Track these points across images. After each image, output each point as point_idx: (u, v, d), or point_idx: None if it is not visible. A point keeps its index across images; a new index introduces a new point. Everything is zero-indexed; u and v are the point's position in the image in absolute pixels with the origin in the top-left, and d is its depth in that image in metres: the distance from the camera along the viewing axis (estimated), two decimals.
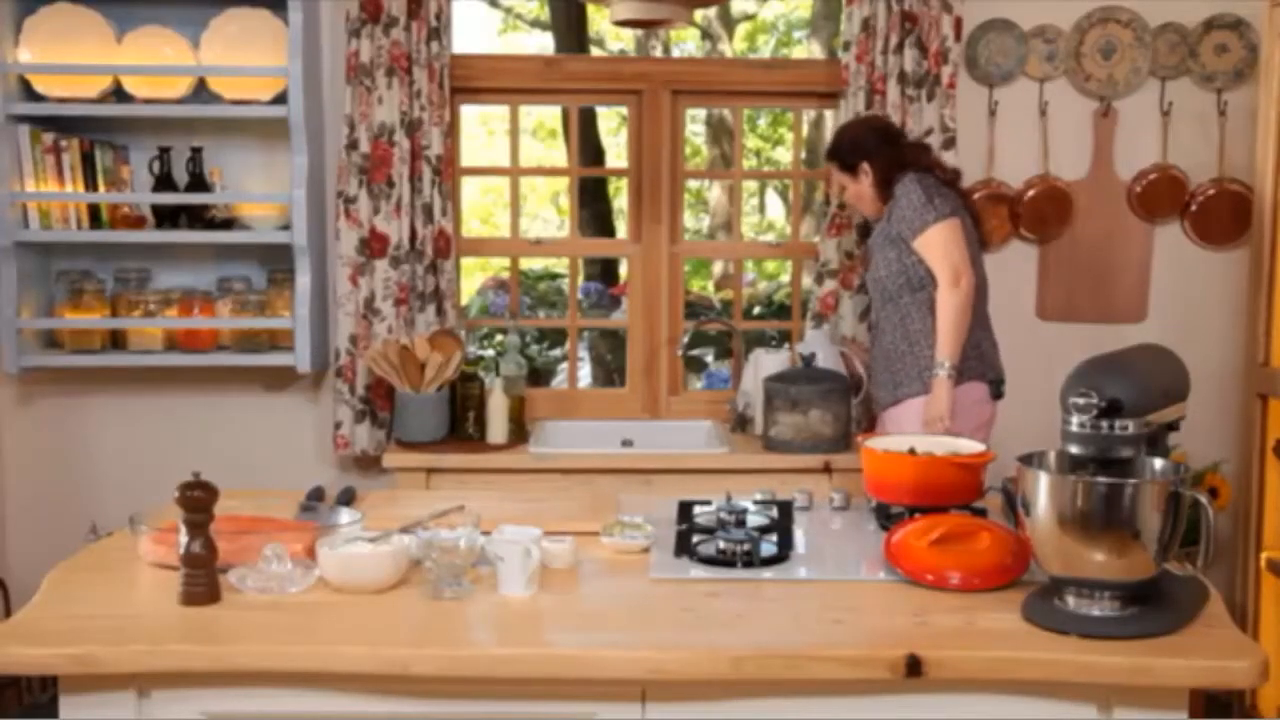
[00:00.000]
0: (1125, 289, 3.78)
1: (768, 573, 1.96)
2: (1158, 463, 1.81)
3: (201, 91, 3.57)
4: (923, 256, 3.13)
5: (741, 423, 3.64)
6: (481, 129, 8.69)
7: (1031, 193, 3.73)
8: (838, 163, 3.33)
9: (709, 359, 5.62)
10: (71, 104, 3.49)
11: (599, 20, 7.58)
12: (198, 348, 3.60)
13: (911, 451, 2.18)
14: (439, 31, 3.54)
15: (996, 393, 3.20)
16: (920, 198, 3.11)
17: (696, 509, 2.25)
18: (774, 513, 2.22)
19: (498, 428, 3.54)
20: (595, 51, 7.92)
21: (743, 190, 4.34)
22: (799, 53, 8.49)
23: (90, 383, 3.70)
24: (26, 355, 3.50)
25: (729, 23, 8.53)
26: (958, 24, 3.57)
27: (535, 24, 8.67)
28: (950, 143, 3.58)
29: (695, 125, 8.39)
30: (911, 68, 3.56)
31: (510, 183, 4.06)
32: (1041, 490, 1.72)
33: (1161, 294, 3.78)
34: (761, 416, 3.49)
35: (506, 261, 4.36)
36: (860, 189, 3.29)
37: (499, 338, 4.77)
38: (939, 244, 3.10)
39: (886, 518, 2.21)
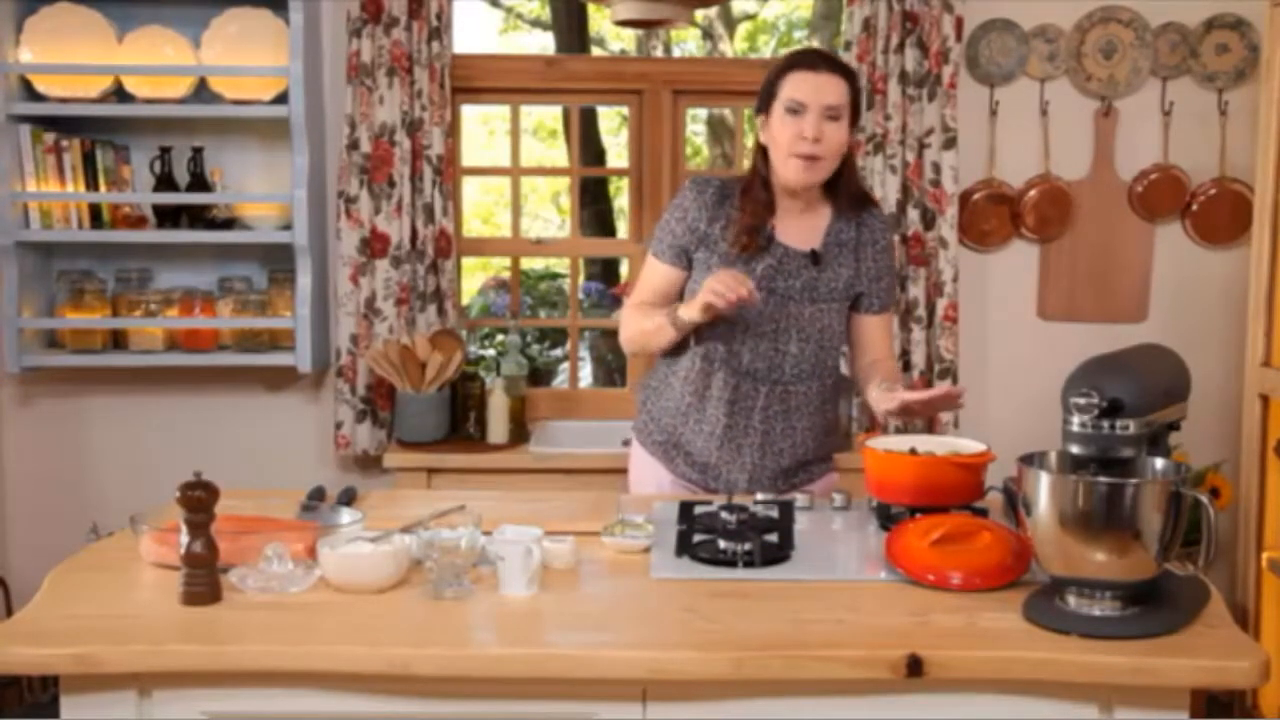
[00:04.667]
0: (1126, 289, 3.78)
1: (768, 573, 1.96)
2: (1159, 462, 1.80)
3: (202, 91, 3.57)
4: (871, 332, 2.56)
5: None
6: (482, 129, 8.69)
7: (1032, 193, 3.73)
8: (853, 91, 2.41)
9: None
10: (72, 104, 3.49)
11: (599, 20, 7.57)
12: (198, 347, 3.60)
13: (912, 452, 2.18)
14: (440, 31, 3.54)
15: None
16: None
17: (697, 509, 2.25)
18: (775, 513, 2.22)
19: (498, 428, 3.54)
20: (596, 51, 7.92)
21: None
22: None
23: (91, 383, 3.70)
24: (27, 355, 3.50)
25: (729, 23, 8.52)
26: (959, 24, 3.57)
27: (536, 24, 8.67)
28: (951, 142, 3.58)
29: (696, 125, 8.39)
30: (912, 67, 3.56)
31: (511, 182, 4.06)
32: (1042, 490, 1.72)
33: (1162, 294, 3.78)
34: None
35: (507, 261, 4.36)
36: (841, 140, 2.40)
37: (500, 338, 4.77)
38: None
39: (887, 518, 2.20)
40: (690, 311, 2.36)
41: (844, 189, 2.47)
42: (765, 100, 2.43)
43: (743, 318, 2.43)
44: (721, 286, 2.26)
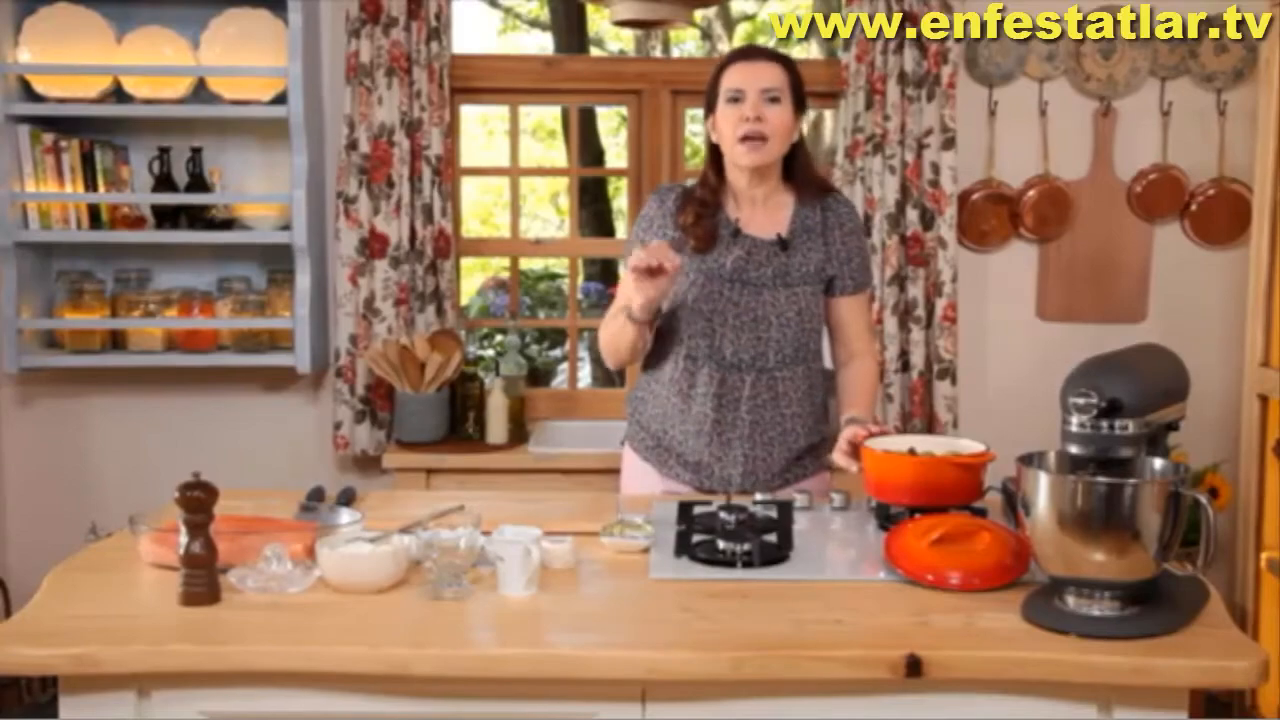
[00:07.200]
0: (1125, 289, 3.78)
1: (768, 573, 1.96)
2: (1158, 463, 1.80)
3: (201, 92, 3.57)
4: (848, 314, 2.57)
5: None
6: (481, 129, 8.69)
7: (1031, 193, 3.73)
8: (792, 77, 2.47)
9: None
10: (71, 104, 3.49)
11: (599, 20, 7.58)
12: (198, 348, 3.60)
13: (911, 452, 2.18)
14: (439, 31, 3.54)
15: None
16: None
17: (696, 509, 2.25)
18: (774, 513, 2.22)
19: (498, 428, 3.54)
20: (595, 51, 7.93)
21: None
22: (798, 53, 8.47)
23: (90, 383, 3.70)
24: (26, 355, 3.50)
25: (729, 23, 8.52)
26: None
27: (535, 24, 8.67)
28: (950, 143, 3.58)
29: (695, 125, 8.38)
30: (911, 68, 3.56)
31: (510, 183, 4.07)
32: (1041, 490, 1.72)
33: (1161, 294, 3.78)
34: None
35: (506, 261, 4.36)
36: (785, 121, 2.43)
37: (499, 338, 4.77)
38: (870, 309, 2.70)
39: (887, 518, 2.20)
40: (634, 297, 2.40)
41: (801, 176, 2.52)
42: (710, 101, 2.49)
43: (720, 311, 2.47)
44: (643, 254, 2.31)
